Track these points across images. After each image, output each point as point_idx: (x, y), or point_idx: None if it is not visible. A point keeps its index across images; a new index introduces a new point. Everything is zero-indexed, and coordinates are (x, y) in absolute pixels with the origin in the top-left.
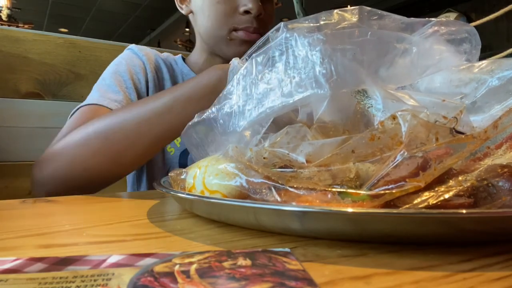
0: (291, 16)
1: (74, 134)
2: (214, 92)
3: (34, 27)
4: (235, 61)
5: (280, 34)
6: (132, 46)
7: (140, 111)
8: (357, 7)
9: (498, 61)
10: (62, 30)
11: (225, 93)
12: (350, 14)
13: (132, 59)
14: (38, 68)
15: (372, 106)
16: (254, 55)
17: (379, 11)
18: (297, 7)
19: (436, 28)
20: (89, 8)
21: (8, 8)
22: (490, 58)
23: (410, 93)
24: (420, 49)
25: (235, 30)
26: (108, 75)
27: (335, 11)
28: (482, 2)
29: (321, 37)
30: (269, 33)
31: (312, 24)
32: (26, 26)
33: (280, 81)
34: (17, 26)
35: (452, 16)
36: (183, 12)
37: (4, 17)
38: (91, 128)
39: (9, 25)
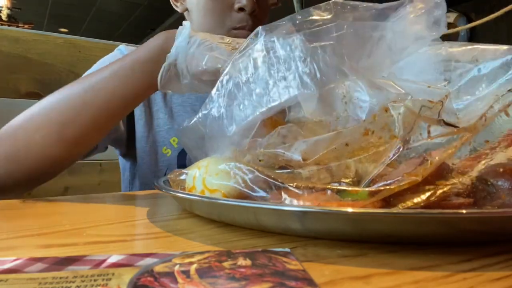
0: None
1: (20, 115)
2: (160, 54)
3: (34, 27)
4: (187, 23)
5: (259, 37)
6: (121, 46)
7: (87, 81)
8: (330, 1)
9: (480, 49)
10: (62, 30)
11: (210, 97)
12: (324, 10)
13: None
14: (38, 68)
15: (358, 98)
16: (234, 58)
17: (351, 2)
18: (297, 7)
19: (407, 8)
20: (89, 8)
21: (8, 8)
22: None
23: (394, 80)
24: (394, 32)
25: (234, 29)
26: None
27: (309, 9)
28: (482, 2)
29: (300, 36)
30: (248, 38)
31: (289, 25)
32: (26, 26)
33: (265, 83)
34: (17, 26)
35: (452, 16)
36: (178, 10)
37: (4, 17)
38: (36, 105)
39: (9, 25)
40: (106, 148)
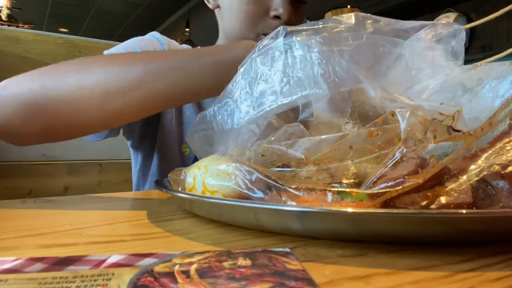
0: None
1: (69, 66)
2: (236, 63)
3: (34, 27)
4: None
5: (279, 37)
6: (155, 33)
7: (150, 60)
8: (352, 13)
9: (484, 70)
10: (62, 30)
11: (225, 92)
12: (346, 19)
13: (152, 42)
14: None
15: (369, 105)
16: (253, 55)
17: (374, 16)
18: None
19: (428, 31)
20: (89, 8)
21: (8, 8)
22: (489, 59)
23: (407, 94)
24: (413, 52)
25: (264, 34)
26: (121, 46)
27: (332, 18)
28: (482, 2)
29: (319, 39)
30: (268, 37)
31: (310, 27)
32: (26, 26)
33: (278, 80)
34: (17, 26)
35: (452, 16)
36: (209, 5)
37: (4, 17)
38: (90, 61)
39: (9, 25)
40: (118, 133)
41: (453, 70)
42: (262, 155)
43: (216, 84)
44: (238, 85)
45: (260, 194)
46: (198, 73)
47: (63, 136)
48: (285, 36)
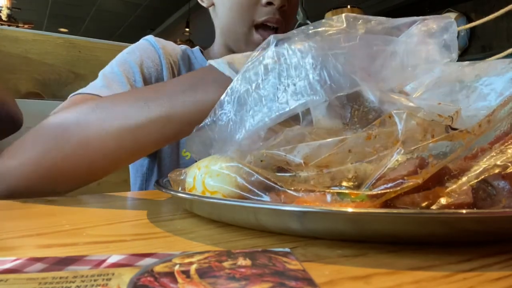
0: None
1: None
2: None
3: (34, 27)
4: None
5: (270, 45)
6: (149, 37)
7: (128, 113)
8: (342, 15)
9: (482, 66)
10: (62, 30)
11: (220, 103)
12: (336, 22)
13: (146, 50)
14: (38, 68)
15: (369, 109)
16: (246, 66)
17: (364, 16)
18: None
19: (419, 26)
20: (89, 8)
21: (8, 8)
22: (489, 59)
23: (406, 96)
24: (407, 49)
25: (256, 26)
26: (116, 63)
27: (322, 21)
28: (482, 2)
29: (312, 44)
30: (259, 47)
31: (301, 33)
32: (26, 26)
33: (275, 89)
34: (17, 26)
35: (452, 16)
36: (204, 5)
37: (4, 17)
38: (62, 118)
39: (9, 25)
40: None
41: (449, 65)
42: (261, 161)
43: (195, 122)
44: (233, 97)
45: (259, 196)
46: (179, 123)
47: (68, 189)
48: (276, 45)
